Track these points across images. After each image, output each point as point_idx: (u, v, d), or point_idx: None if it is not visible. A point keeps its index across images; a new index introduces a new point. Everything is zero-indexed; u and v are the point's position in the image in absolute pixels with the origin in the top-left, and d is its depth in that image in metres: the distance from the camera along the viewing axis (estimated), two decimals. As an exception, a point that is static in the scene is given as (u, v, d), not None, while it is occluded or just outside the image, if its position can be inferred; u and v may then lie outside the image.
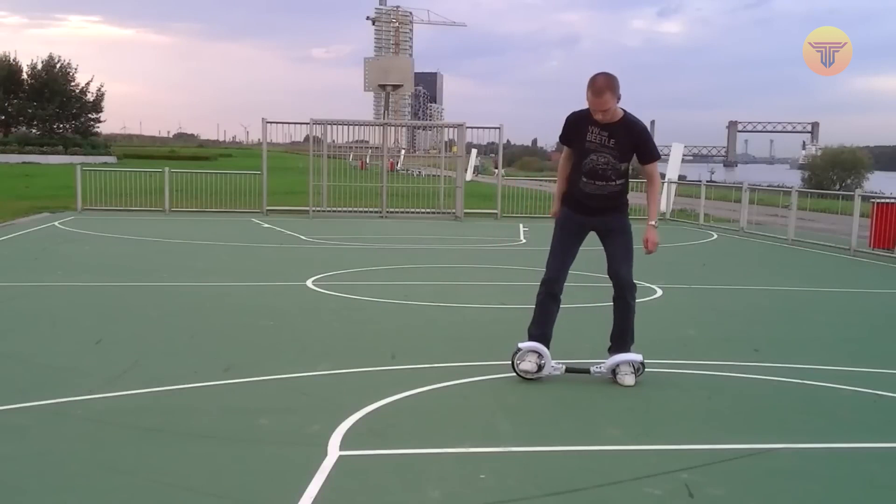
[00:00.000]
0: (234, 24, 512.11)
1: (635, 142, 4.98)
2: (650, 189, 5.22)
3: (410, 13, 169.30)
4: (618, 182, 5.06)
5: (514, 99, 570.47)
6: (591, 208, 5.15)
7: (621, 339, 5.31)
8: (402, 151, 42.42)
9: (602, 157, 4.96)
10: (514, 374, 5.19)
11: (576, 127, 5.05)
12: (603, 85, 4.77)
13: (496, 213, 19.23)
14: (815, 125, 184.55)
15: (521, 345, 5.26)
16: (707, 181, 24.96)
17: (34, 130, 61.51)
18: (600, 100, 4.79)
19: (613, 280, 5.32)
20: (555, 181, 5.54)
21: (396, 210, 19.17)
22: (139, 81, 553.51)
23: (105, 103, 65.92)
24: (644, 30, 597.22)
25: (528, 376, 5.16)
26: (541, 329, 5.27)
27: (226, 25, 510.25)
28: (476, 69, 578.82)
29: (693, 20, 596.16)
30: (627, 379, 5.16)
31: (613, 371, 5.22)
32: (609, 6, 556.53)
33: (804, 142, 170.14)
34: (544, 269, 5.32)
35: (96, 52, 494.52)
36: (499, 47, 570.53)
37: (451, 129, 20.98)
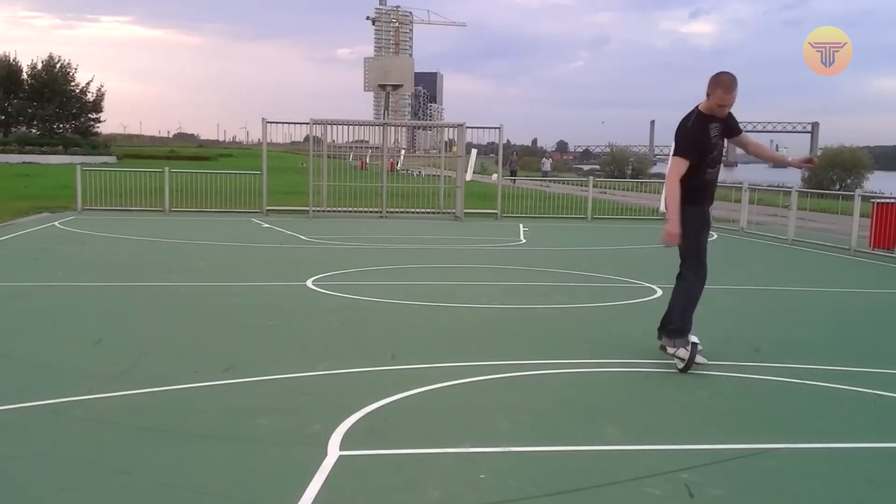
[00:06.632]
0: (264, 24, 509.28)
1: (731, 123, 5.60)
2: (761, 149, 6.23)
3: (410, 13, 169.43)
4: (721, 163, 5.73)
5: (520, 99, 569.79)
6: (712, 195, 5.70)
7: None
8: (402, 151, 42.36)
9: (718, 146, 5.54)
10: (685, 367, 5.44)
11: (703, 132, 5.42)
12: (733, 82, 5.30)
13: (496, 213, 19.24)
14: (815, 125, 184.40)
15: (693, 339, 5.47)
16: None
17: (34, 130, 61.41)
18: (731, 96, 5.32)
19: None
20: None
21: (396, 210, 19.17)
22: (161, 81, 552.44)
23: (106, 103, 65.92)
24: (673, 31, 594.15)
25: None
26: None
27: (255, 26, 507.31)
28: (495, 70, 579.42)
29: (726, 21, 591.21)
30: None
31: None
32: (640, 7, 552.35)
33: (777, 145, 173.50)
34: (698, 265, 5.60)
35: (122, 52, 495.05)
36: (526, 48, 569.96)
37: (450, 129, 20.98)
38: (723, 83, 5.29)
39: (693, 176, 5.48)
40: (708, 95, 5.36)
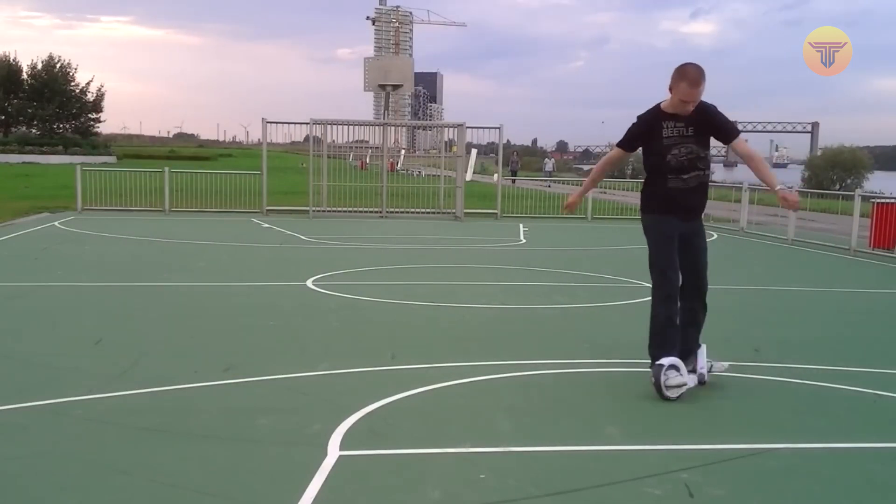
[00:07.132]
0: (264, 24, 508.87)
1: (714, 124, 4.87)
2: (753, 163, 4.93)
3: (410, 13, 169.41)
4: (706, 171, 4.98)
5: (520, 99, 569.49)
6: (686, 208, 4.97)
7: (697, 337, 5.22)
8: (402, 151, 42.36)
9: (684, 148, 4.86)
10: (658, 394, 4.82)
11: (648, 127, 4.92)
12: (699, 76, 4.69)
13: (496, 213, 19.24)
14: (815, 125, 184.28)
15: (663, 361, 4.86)
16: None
17: (34, 130, 61.41)
18: (697, 90, 4.69)
19: (699, 284, 5.18)
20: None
21: (396, 210, 19.17)
22: (161, 81, 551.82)
23: (106, 103, 65.87)
24: (673, 31, 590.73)
25: (676, 394, 4.84)
26: (676, 350, 4.97)
27: (255, 26, 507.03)
28: (495, 70, 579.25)
29: (727, 21, 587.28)
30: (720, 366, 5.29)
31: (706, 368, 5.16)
32: (640, 7, 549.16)
33: (777, 144, 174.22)
34: (659, 284, 5.07)
35: (122, 52, 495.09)
36: (526, 48, 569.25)
37: (450, 129, 20.98)
38: (689, 76, 4.66)
39: (654, 182, 5.03)
40: (671, 89, 4.76)
